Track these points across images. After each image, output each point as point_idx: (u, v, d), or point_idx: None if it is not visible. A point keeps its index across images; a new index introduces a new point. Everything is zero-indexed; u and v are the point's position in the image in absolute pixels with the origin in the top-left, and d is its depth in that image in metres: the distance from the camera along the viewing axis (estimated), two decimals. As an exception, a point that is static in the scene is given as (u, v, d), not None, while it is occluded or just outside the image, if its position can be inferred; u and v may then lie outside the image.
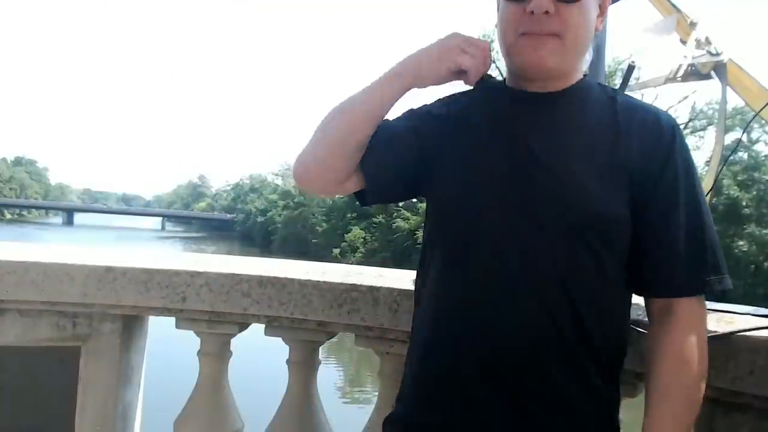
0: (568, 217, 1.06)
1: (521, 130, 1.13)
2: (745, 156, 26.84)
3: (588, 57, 1.21)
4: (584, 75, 1.20)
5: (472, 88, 1.20)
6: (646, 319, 1.14)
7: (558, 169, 1.09)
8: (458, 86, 1.21)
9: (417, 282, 1.25)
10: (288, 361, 1.80)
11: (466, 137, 1.18)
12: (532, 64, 1.12)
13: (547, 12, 1.07)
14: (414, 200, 1.41)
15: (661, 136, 1.10)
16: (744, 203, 24.69)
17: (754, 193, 25.42)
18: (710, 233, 1.09)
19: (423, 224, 1.32)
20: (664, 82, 1.74)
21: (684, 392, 1.05)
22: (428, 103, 1.27)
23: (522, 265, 1.07)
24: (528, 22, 1.09)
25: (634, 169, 1.08)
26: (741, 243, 23.85)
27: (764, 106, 1.53)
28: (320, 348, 1.82)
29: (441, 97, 1.29)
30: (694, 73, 1.69)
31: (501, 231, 1.09)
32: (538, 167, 1.09)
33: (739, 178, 25.64)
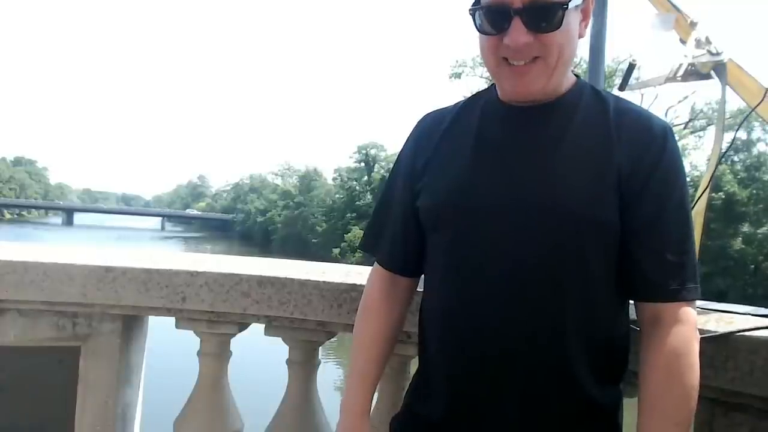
0: (557, 222, 1.06)
1: (512, 143, 1.14)
2: (747, 155, 26.82)
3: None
4: (577, 77, 1.20)
5: (466, 99, 1.25)
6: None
7: (548, 177, 1.09)
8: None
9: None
10: (288, 361, 1.80)
11: (456, 151, 1.19)
12: (517, 93, 1.13)
13: (525, 43, 1.06)
14: None
15: (651, 142, 1.09)
16: (744, 201, 24.68)
17: (754, 191, 25.41)
18: (692, 242, 1.09)
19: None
20: (664, 82, 1.74)
21: (673, 406, 1.04)
22: (408, 145, 1.29)
23: (511, 269, 1.08)
24: (507, 49, 1.08)
25: (623, 174, 1.07)
26: (738, 241, 23.81)
27: (760, 102, 1.53)
28: (320, 347, 1.82)
29: (428, 113, 1.31)
30: (694, 73, 1.69)
31: (491, 236, 1.10)
32: (528, 176, 1.10)
33: (739, 176, 25.62)
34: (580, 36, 1.14)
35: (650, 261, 1.07)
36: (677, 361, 1.04)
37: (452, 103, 1.29)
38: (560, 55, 1.08)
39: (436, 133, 1.23)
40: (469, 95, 1.29)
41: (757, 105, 1.53)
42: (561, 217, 1.06)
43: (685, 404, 1.04)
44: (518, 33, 1.05)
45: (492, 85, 1.22)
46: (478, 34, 1.12)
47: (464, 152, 1.16)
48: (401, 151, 1.31)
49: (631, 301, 1.17)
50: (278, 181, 68.72)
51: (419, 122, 1.30)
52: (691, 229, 1.10)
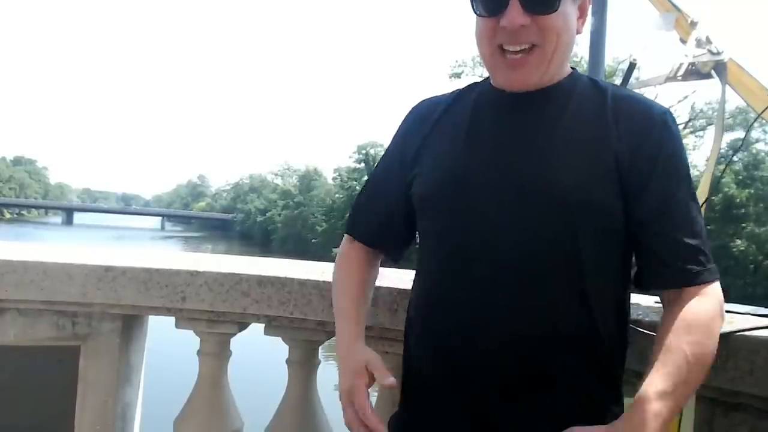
0: (552, 207, 1.05)
1: (505, 130, 1.13)
2: (746, 154, 26.77)
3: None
4: (572, 68, 1.19)
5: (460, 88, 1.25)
6: (646, 318, 1.13)
7: (542, 162, 1.08)
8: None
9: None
10: (288, 361, 1.80)
11: (449, 138, 1.18)
12: (512, 85, 1.13)
13: (522, 25, 1.06)
14: None
15: (651, 128, 1.09)
16: (743, 202, 24.65)
17: (753, 191, 25.39)
18: (701, 222, 1.08)
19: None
20: (665, 81, 1.74)
21: (686, 346, 0.99)
22: (402, 127, 1.29)
23: (504, 256, 1.06)
24: (503, 32, 1.08)
25: (622, 161, 1.06)
26: (739, 242, 23.78)
27: (765, 109, 1.53)
28: (320, 347, 1.82)
29: (423, 100, 1.31)
30: (694, 72, 1.69)
31: (483, 223, 1.09)
32: (522, 163, 1.09)
33: (740, 176, 25.59)
34: (578, 32, 1.14)
35: (668, 248, 1.05)
36: (697, 323, 1.01)
37: (448, 92, 1.28)
38: (558, 42, 1.08)
39: (429, 121, 1.23)
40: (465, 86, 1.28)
41: (763, 111, 1.52)
42: (555, 203, 1.05)
43: (700, 349, 1.00)
44: (515, 13, 1.05)
45: (488, 77, 1.22)
46: (475, 21, 1.12)
47: (457, 140, 1.16)
48: (393, 137, 1.30)
49: (631, 301, 1.17)
50: (278, 181, 68.70)
51: (413, 109, 1.30)
52: (699, 211, 1.09)
